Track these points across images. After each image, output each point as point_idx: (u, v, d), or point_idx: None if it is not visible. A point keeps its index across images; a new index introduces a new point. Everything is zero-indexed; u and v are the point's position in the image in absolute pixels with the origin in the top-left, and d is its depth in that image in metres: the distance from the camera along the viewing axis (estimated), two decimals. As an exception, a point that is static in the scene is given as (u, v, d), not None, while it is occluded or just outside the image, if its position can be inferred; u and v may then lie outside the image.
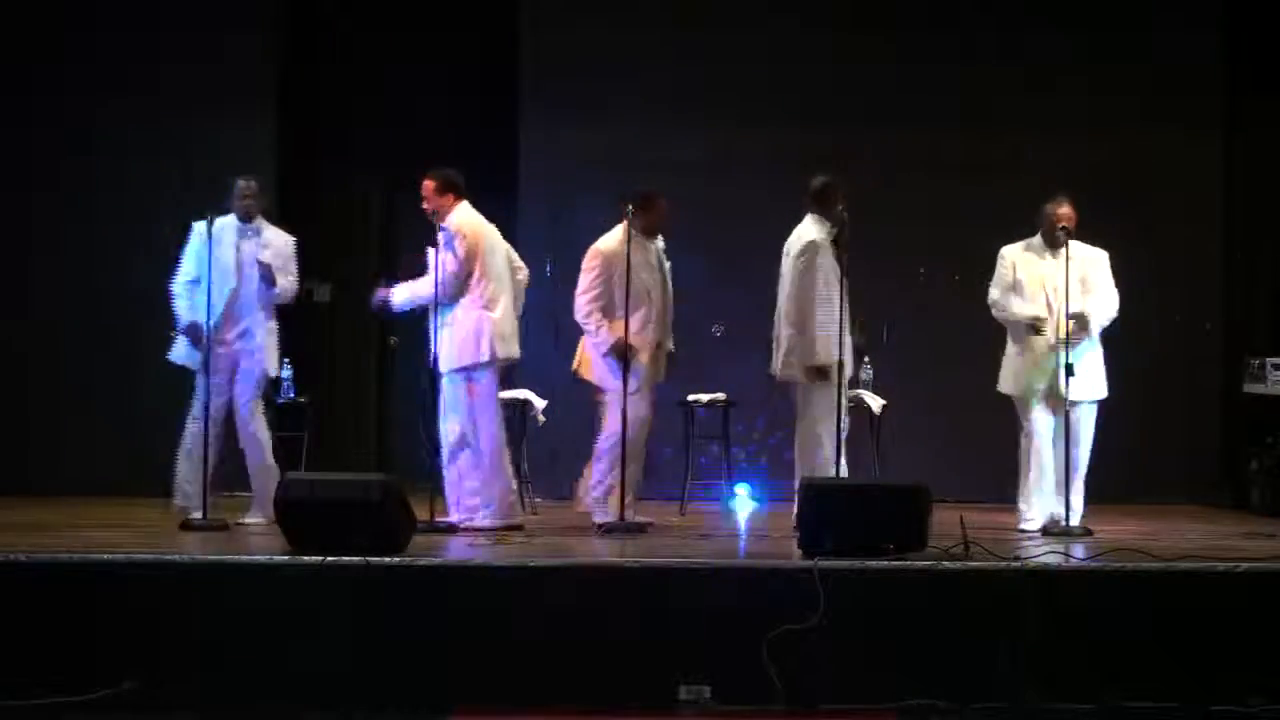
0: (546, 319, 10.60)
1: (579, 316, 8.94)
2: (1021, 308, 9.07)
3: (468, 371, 8.81)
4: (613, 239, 8.92)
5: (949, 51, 11.07)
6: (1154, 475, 10.68)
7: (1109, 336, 9.15)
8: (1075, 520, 8.84)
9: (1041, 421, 9.09)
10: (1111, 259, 9.15)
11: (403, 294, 8.98)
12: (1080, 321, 8.87)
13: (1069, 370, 8.83)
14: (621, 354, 8.76)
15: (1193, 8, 11.22)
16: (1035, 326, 9.01)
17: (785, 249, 8.87)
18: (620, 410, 8.69)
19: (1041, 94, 11.05)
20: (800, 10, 11.14)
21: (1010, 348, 9.17)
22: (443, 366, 8.79)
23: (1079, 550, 7.91)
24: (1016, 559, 7.53)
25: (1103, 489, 9.79)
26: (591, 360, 9.00)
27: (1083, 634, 7.09)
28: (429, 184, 8.91)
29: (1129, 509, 9.95)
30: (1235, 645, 7.07)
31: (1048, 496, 9.05)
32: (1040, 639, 7.07)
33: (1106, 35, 11.10)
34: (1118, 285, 9.13)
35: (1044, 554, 7.81)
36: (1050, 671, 7.02)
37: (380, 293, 9.04)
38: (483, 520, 8.75)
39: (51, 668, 6.93)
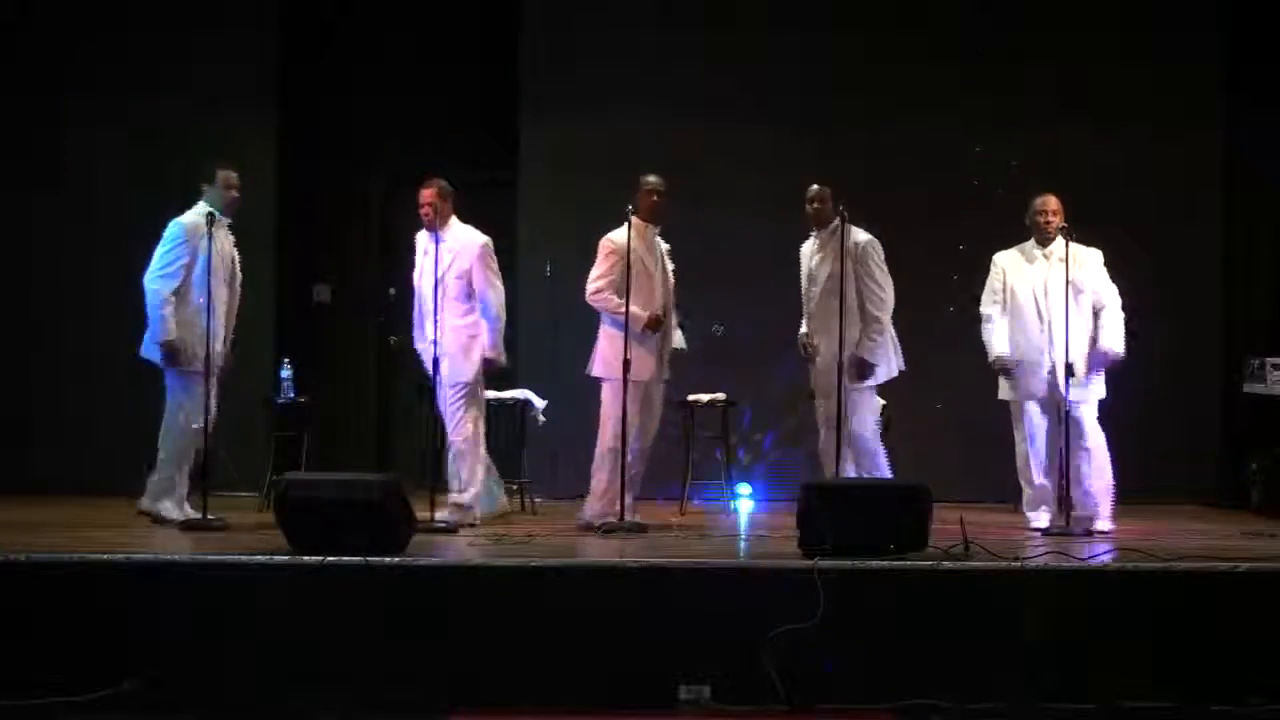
0: (546, 319, 10.61)
1: None
2: (995, 340, 9.12)
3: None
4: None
5: (949, 51, 11.06)
6: (1154, 475, 10.64)
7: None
8: (1105, 523, 8.91)
9: (1037, 425, 9.11)
10: (1111, 258, 9.15)
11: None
12: (1070, 372, 8.86)
13: (1069, 370, 8.85)
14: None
15: (1193, 8, 11.22)
16: (1002, 367, 9.11)
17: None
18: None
19: (1041, 94, 11.04)
20: (800, 10, 11.13)
21: None
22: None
23: (1079, 550, 7.91)
24: (1016, 559, 7.53)
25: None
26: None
27: (1083, 634, 7.09)
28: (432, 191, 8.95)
29: (1129, 509, 9.93)
30: (1235, 645, 7.08)
31: (1050, 497, 9.08)
32: (1040, 639, 7.08)
33: (1106, 35, 11.10)
34: (1116, 284, 9.13)
35: (1044, 554, 7.81)
36: (1050, 671, 7.03)
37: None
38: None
39: (51, 668, 6.94)
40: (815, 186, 9.07)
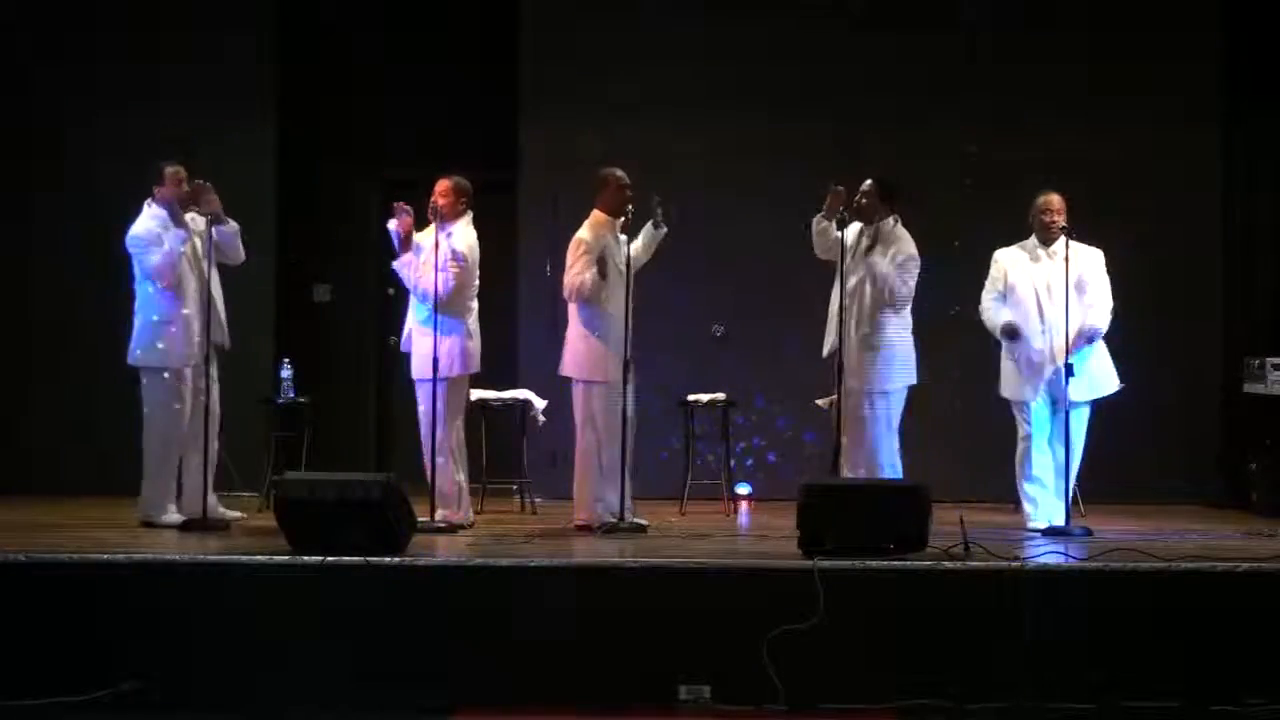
0: (546, 319, 10.60)
1: None
2: (998, 315, 9.10)
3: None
4: None
5: (949, 52, 11.06)
6: (1154, 475, 10.66)
7: (1109, 336, 9.16)
8: (1066, 519, 8.85)
9: (1037, 424, 9.11)
10: (1111, 258, 9.17)
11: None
12: (1070, 372, 8.84)
13: (1069, 370, 8.85)
14: None
15: (1193, 8, 11.21)
16: (1009, 332, 9.05)
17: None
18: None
19: (1042, 94, 11.03)
20: (800, 9, 11.13)
21: (1005, 351, 9.21)
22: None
23: (1079, 550, 7.90)
24: (1016, 559, 7.54)
25: (1103, 489, 9.81)
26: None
27: (1083, 634, 7.10)
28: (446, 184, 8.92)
29: (1129, 509, 9.95)
30: (1235, 645, 7.08)
31: (1050, 495, 9.06)
32: (1040, 639, 7.08)
33: (1106, 35, 11.09)
34: (1116, 284, 9.15)
35: (1044, 554, 7.82)
36: (1050, 671, 7.03)
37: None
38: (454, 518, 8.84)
39: (51, 668, 6.94)
40: (868, 182, 8.96)
